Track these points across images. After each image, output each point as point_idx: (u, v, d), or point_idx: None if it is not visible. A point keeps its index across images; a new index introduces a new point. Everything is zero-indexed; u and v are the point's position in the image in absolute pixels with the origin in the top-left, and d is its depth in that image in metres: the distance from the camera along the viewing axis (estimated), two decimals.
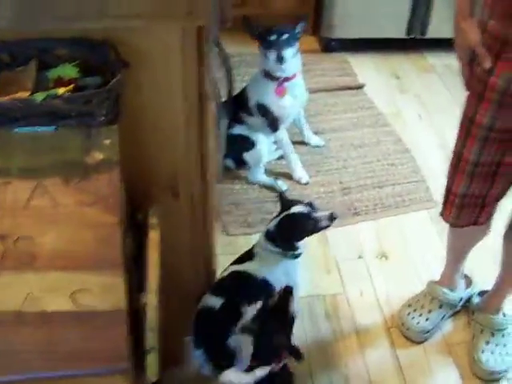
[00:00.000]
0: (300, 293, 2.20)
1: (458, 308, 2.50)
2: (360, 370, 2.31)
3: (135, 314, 1.41)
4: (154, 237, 1.48)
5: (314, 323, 2.29)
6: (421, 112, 3.54)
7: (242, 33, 2.88)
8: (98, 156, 1.40)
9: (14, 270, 1.27)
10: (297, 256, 2.14)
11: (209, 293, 2.03)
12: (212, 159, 1.79)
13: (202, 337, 1.99)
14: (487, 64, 1.82)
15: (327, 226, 2.08)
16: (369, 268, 2.63)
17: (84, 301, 1.25)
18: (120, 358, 1.20)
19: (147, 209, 1.61)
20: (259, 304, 2.07)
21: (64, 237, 1.31)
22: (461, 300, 2.48)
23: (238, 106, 3.00)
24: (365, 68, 3.91)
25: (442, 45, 3.54)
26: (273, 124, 2.98)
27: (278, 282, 2.10)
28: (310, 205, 2.10)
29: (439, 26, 3.80)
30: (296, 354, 1.98)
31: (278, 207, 2.91)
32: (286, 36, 2.79)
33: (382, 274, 2.66)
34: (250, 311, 2.05)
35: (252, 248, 2.17)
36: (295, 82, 2.93)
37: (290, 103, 2.95)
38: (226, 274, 2.13)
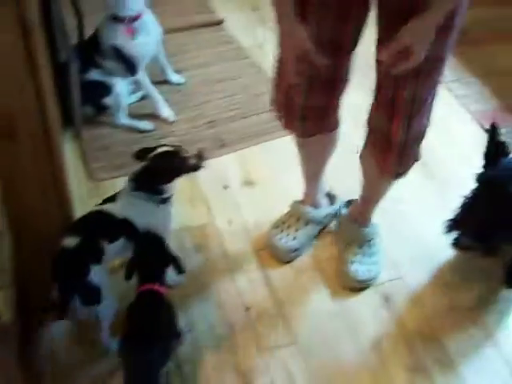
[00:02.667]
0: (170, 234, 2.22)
1: (325, 224, 2.57)
2: (233, 296, 2.34)
3: None
4: None
5: (185, 256, 2.28)
6: None
7: None
8: None
9: None
10: (164, 200, 2.14)
11: (65, 234, 2.01)
12: (51, 98, 1.75)
13: (61, 279, 1.95)
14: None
15: (197, 166, 2.08)
16: (236, 197, 2.65)
17: None
18: None
19: None
20: (120, 242, 2.07)
21: None
22: (326, 216, 2.55)
23: (92, 49, 2.93)
24: (223, 3, 3.89)
25: None
26: (130, 67, 2.92)
27: (143, 223, 2.10)
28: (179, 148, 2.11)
29: None
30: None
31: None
32: None
33: (249, 201, 2.70)
34: (112, 249, 2.05)
35: (117, 192, 2.15)
36: (144, 20, 2.88)
37: (144, 41, 2.90)
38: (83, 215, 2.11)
